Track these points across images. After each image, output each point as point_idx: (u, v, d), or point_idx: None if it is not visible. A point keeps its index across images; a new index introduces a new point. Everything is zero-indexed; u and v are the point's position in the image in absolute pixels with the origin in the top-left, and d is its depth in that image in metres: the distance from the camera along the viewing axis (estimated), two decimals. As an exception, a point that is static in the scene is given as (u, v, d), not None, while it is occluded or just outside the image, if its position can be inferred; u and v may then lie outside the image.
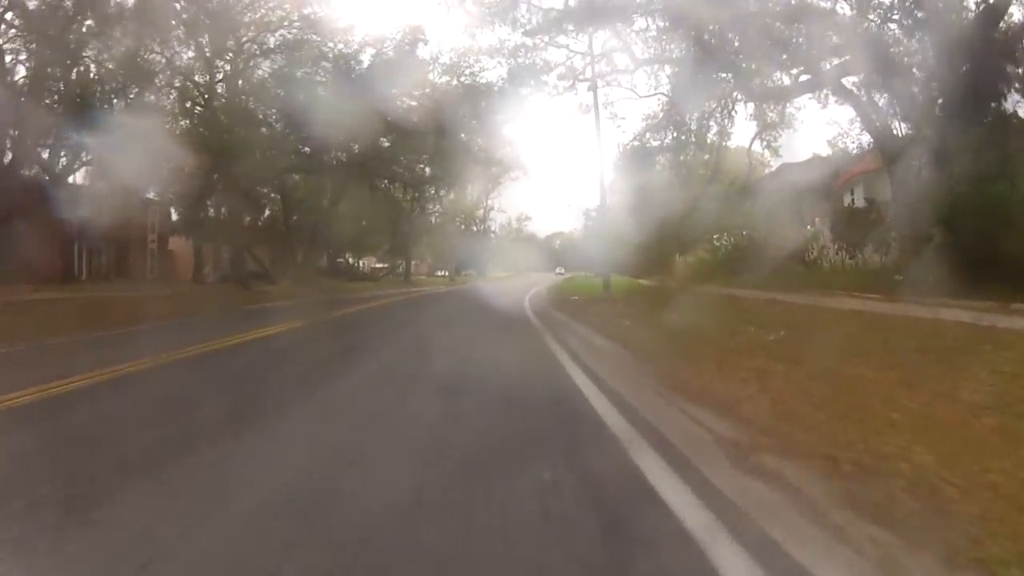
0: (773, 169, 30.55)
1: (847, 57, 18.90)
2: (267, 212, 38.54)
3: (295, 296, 23.11)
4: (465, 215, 50.81)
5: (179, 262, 43.67)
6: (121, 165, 31.99)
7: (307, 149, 29.83)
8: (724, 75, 18.53)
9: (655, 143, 21.54)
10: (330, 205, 34.52)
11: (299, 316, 13.02)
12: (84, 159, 32.33)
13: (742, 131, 32.28)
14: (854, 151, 24.87)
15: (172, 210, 40.05)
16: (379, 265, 60.73)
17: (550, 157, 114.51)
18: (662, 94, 21.22)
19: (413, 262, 66.34)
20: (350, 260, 54.56)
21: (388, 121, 27.98)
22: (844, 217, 21.30)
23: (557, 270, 72.89)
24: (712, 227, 32.15)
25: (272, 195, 34.10)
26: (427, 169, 30.47)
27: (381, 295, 24.96)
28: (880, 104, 22.30)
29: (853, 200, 31.15)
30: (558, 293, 21.70)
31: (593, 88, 18.95)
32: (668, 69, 20.27)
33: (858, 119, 25.44)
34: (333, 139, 28.56)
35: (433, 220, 41.20)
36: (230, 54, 29.61)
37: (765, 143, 24.52)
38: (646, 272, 34.86)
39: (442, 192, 33.20)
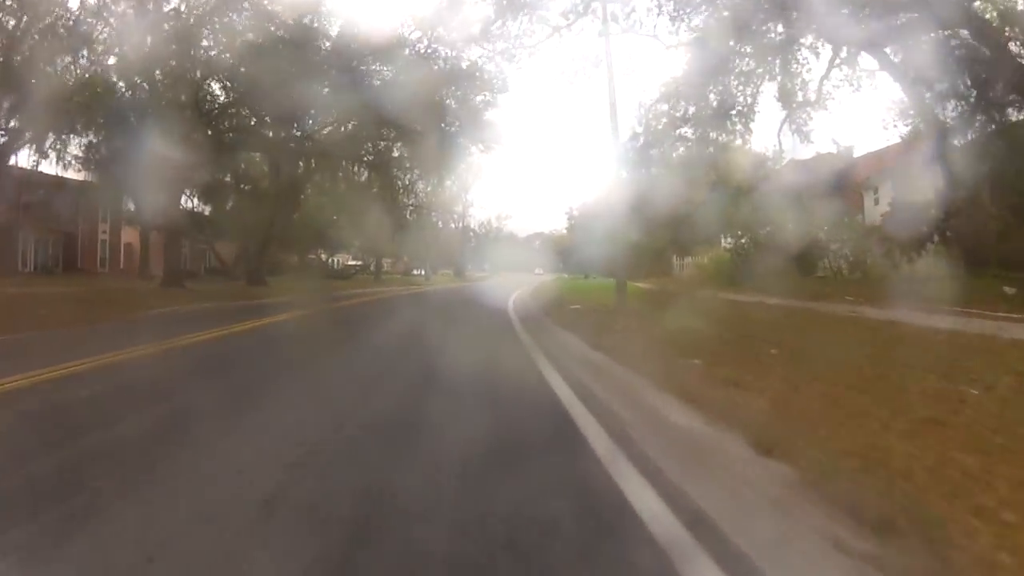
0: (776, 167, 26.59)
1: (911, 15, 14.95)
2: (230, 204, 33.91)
3: (226, 298, 18.73)
4: (442, 210, 46.29)
5: (138, 255, 38.93)
6: (66, 147, 27.55)
7: (268, 132, 25.30)
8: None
9: (677, 112, 17.10)
10: (295, 195, 29.84)
11: (169, 335, 8.76)
12: (25, 139, 27.53)
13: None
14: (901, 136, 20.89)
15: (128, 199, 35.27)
16: (353, 263, 56.25)
17: (536, 147, 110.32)
18: (688, 43, 16.60)
19: (390, 260, 61.94)
20: (322, 257, 50.10)
21: (353, 97, 23.64)
22: (900, 215, 17.24)
23: (536, 271, 69.59)
24: (719, 226, 28.23)
25: (235, 183, 29.39)
26: (395, 150, 25.94)
27: (338, 297, 20.55)
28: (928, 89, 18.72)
29: (877, 199, 27.36)
30: (550, 299, 17.39)
31: (605, 26, 14.48)
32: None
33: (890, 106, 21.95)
34: (295, 118, 24.16)
35: (408, 215, 36.54)
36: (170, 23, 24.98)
37: (795, 127, 20.35)
38: (640, 275, 30.74)
39: (413, 176, 28.69)
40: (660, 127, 17.10)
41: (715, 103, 17.49)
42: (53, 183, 29.89)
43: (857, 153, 31.33)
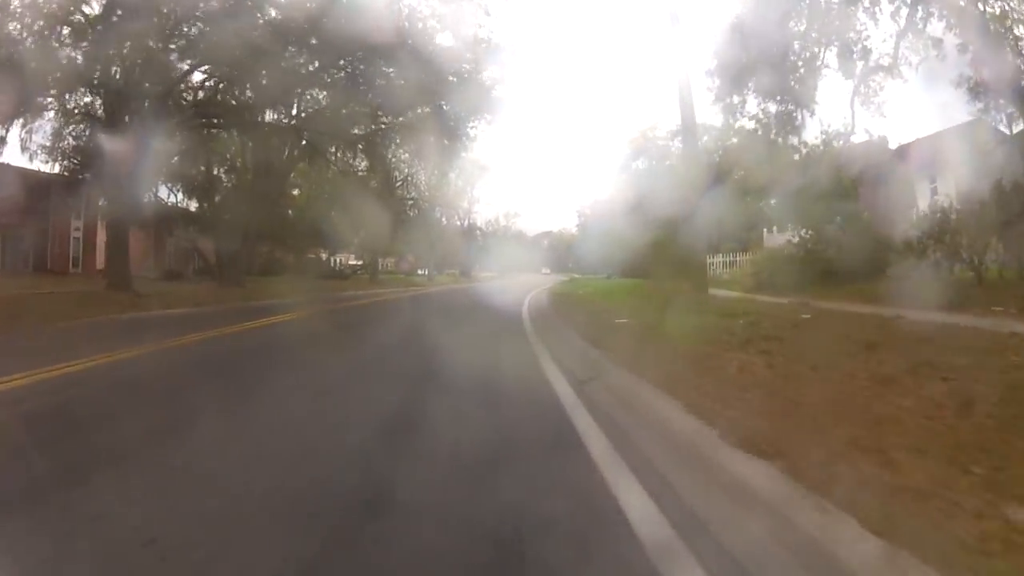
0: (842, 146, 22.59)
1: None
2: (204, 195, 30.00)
3: (175, 304, 14.96)
4: (446, 206, 42.29)
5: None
6: (32, 135, 24.15)
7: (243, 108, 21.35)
8: None
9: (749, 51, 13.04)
10: (278, 185, 25.93)
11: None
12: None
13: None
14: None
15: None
16: (355, 262, 52.64)
17: (544, 144, 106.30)
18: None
19: (393, 259, 57.98)
20: (322, 255, 46.45)
21: (341, 70, 19.82)
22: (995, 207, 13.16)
23: (543, 271, 66.90)
24: (765, 219, 24.32)
25: (206, 171, 25.46)
26: (391, 131, 21.93)
27: (312, 303, 16.64)
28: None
29: (935, 189, 23.30)
30: (577, 307, 13.35)
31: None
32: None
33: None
34: (275, 94, 20.32)
35: (409, 210, 32.64)
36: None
37: (863, 98, 16.45)
38: (666, 276, 26.66)
39: (412, 167, 24.78)
40: (735, 73, 13.07)
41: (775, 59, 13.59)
42: (24, 177, 26.52)
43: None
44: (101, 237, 33.36)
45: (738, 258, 24.73)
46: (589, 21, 79.52)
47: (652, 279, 22.78)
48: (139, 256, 34.70)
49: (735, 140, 32.56)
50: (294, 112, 21.58)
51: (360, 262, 52.06)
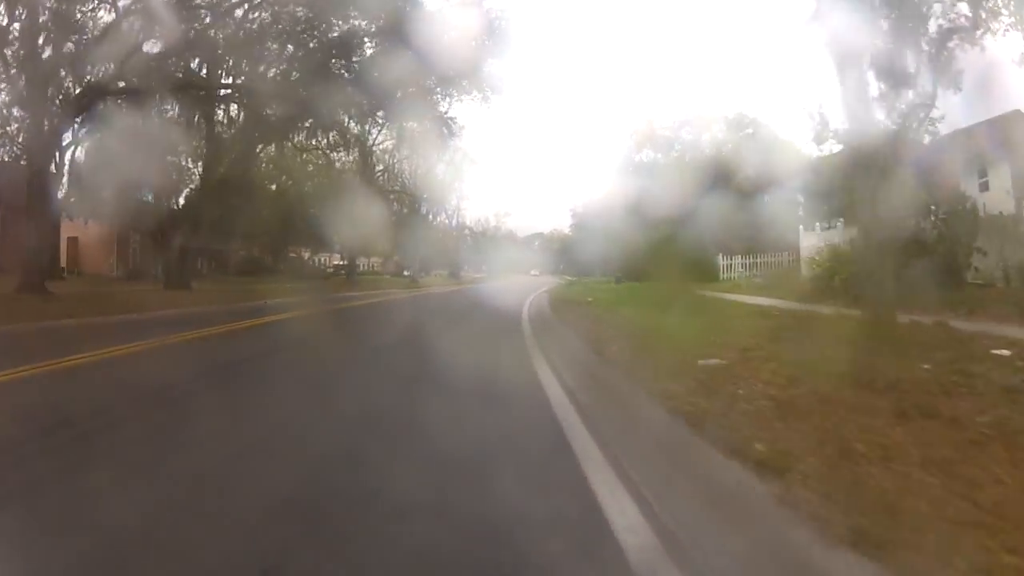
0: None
1: None
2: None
3: (83, 313, 11.59)
4: (433, 201, 38.94)
5: (86, 252, 31.70)
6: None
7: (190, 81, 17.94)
8: None
9: None
10: (243, 176, 22.45)
11: None
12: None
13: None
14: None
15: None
16: (340, 262, 49.36)
17: (535, 141, 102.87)
18: None
19: (379, 259, 54.54)
20: (304, 255, 43.11)
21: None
22: None
23: (532, 272, 64.92)
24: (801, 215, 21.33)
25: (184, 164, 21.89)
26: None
27: (244, 313, 13.22)
28: None
29: (986, 183, 20.34)
30: (601, 325, 9.97)
31: None
32: None
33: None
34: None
35: (393, 205, 29.29)
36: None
37: (940, 66, 13.47)
38: (675, 279, 23.54)
39: (384, 151, 21.47)
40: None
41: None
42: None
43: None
44: (65, 232, 29.49)
45: (769, 260, 21.81)
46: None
47: (666, 282, 19.70)
48: (102, 254, 31.32)
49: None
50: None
51: (344, 262, 48.70)
